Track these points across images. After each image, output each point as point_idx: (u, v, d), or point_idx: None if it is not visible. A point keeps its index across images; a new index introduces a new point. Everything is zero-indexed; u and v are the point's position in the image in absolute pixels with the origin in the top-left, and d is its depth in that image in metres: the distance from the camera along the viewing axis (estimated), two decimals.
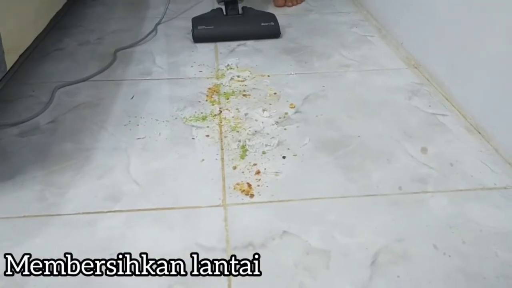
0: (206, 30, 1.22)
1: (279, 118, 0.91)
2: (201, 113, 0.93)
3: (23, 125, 0.88)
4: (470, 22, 0.89)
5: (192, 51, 1.19)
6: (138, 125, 0.89)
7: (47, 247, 0.62)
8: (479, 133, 0.86)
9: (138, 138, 0.85)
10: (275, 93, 1.00)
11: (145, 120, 0.90)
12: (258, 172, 0.76)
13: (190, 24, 1.30)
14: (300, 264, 0.60)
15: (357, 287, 0.57)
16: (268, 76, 1.07)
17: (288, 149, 0.82)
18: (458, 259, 0.61)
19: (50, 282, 0.57)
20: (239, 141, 0.84)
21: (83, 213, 0.68)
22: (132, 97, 0.98)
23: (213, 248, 0.62)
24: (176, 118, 0.91)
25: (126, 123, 0.89)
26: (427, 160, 0.80)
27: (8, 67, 0.84)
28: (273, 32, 1.25)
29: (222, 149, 0.82)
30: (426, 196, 0.72)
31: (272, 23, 1.25)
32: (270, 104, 0.96)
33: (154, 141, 0.84)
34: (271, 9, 1.46)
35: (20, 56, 0.92)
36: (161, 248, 0.62)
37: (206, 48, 1.21)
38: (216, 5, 1.35)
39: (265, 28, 1.25)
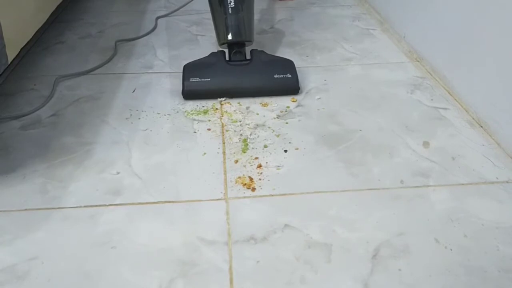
0: (200, 83, 0.93)
1: (281, 112, 0.91)
2: (203, 106, 0.93)
3: (25, 118, 0.88)
4: (473, 16, 0.88)
5: (193, 45, 1.19)
6: (139, 118, 0.89)
7: (48, 240, 0.62)
8: (481, 127, 0.86)
9: (140, 131, 0.85)
10: None
11: (146, 113, 0.90)
12: (259, 166, 0.76)
13: (192, 18, 1.30)
14: (301, 257, 0.60)
15: (358, 281, 0.57)
16: None
17: (290, 143, 0.82)
18: (459, 253, 0.61)
19: (52, 275, 0.58)
20: (241, 134, 0.84)
21: (85, 206, 0.68)
22: (134, 91, 0.98)
23: (215, 241, 0.62)
24: (177, 112, 0.91)
25: (128, 116, 0.89)
26: (428, 154, 0.79)
27: (9, 61, 0.83)
28: (290, 88, 0.95)
29: (223, 142, 0.82)
30: (427, 190, 0.72)
31: (289, 75, 0.95)
32: (272, 97, 0.95)
33: (156, 134, 0.84)
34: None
35: (21, 49, 0.92)
36: (163, 242, 0.62)
37: (207, 42, 1.20)
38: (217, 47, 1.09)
39: (280, 82, 0.94)
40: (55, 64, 1.08)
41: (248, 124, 0.87)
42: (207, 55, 1.00)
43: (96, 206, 0.68)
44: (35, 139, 0.82)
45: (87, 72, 1.04)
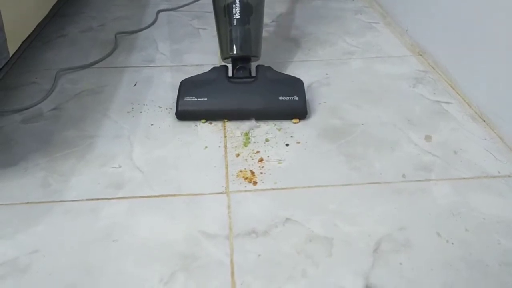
0: (196, 103, 0.84)
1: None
2: None
3: (26, 112, 0.88)
4: (476, 9, 0.88)
5: (195, 38, 1.19)
6: (141, 112, 0.88)
7: (50, 233, 0.63)
8: (484, 121, 0.86)
9: (141, 125, 0.84)
10: None
11: (148, 107, 0.90)
12: (261, 160, 0.76)
13: (194, 11, 1.29)
14: (303, 251, 0.60)
15: (359, 275, 0.57)
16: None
17: (292, 136, 0.82)
18: (461, 247, 0.61)
19: (54, 267, 0.58)
20: (242, 128, 0.84)
21: (86, 200, 0.68)
22: (135, 84, 0.98)
23: (216, 235, 0.62)
24: None
25: (129, 110, 0.89)
26: (431, 148, 0.79)
27: (11, 54, 0.83)
28: (296, 112, 0.85)
29: (225, 136, 0.82)
30: (429, 184, 0.71)
31: (296, 97, 0.85)
32: None
33: (157, 128, 0.84)
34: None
35: (22, 43, 0.92)
36: (164, 235, 0.62)
37: (209, 35, 1.20)
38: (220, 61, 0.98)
39: (284, 106, 0.84)
40: (56, 58, 1.07)
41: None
42: (207, 70, 0.91)
43: (98, 199, 0.68)
44: (37, 133, 0.82)
45: (89, 65, 1.04)
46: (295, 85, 0.87)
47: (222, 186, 0.71)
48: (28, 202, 0.68)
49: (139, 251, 0.60)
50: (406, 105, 0.91)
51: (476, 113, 0.88)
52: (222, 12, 0.92)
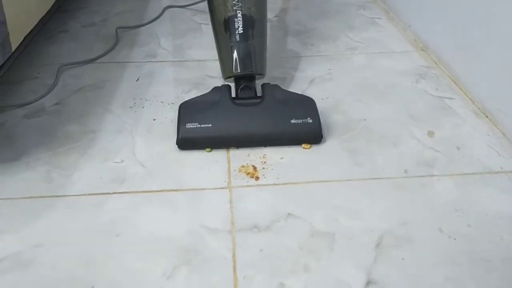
0: (199, 130, 0.76)
1: None
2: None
3: (29, 107, 0.88)
4: (479, 5, 0.87)
5: (197, 33, 1.18)
6: (143, 107, 0.88)
7: (53, 228, 0.63)
8: (487, 116, 0.85)
9: (144, 120, 0.84)
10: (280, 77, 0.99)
11: (150, 102, 0.90)
12: (263, 155, 0.76)
13: (196, 6, 1.28)
14: (305, 246, 0.60)
15: (361, 270, 0.57)
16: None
17: None
18: (463, 242, 0.61)
19: (57, 261, 0.58)
20: None
21: (89, 194, 0.68)
22: (137, 79, 0.98)
23: (218, 230, 0.63)
24: (181, 101, 0.90)
25: (131, 105, 0.89)
26: (433, 143, 0.79)
27: (13, 49, 0.83)
28: (311, 136, 0.77)
29: None
30: (432, 180, 0.71)
31: (310, 120, 0.77)
32: None
33: (159, 123, 0.84)
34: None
35: (25, 38, 0.92)
36: (166, 230, 0.63)
37: (211, 31, 1.19)
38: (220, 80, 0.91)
39: (298, 130, 0.76)
40: (58, 53, 1.07)
41: None
42: (208, 91, 0.83)
43: (100, 194, 0.68)
44: (39, 127, 0.82)
45: (91, 60, 1.04)
46: (307, 106, 0.79)
47: (224, 181, 0.71)
48: (31, 197, 0.68)
49: (142, 245, 0.60)
50: (408, 100, 0.91)
51: (479, 108, 0.88)
52: (222, 26, 0.85)
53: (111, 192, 0.69)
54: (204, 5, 1.31)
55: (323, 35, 1.17)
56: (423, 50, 1.09)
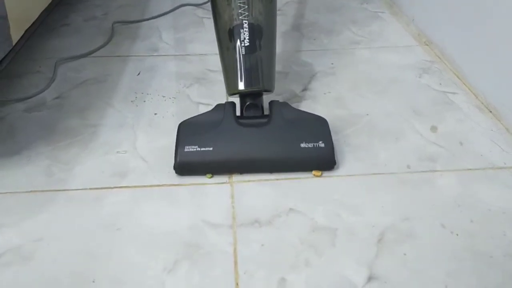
0: (199, 154, 0.69)
1: (287, 95, 0.90)
2: (208, 90, 0.92)
3: (30, 101, 0.88)
4: None
5: (199, 27, 1.18)
6: (144, 101, 0.88)
7: (54, 222, 0.63)
8: (490, 112, 0.85)
9: (145, 114, 0.84)
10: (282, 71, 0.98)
11: (151, 96, 0.90)
12: None
13: (197, 0, 1.27)
14: (306, 241, 0.60)
15: (363, 265, 0.57)
16: None
17: None
18: (466, 238, 0.61)
19: (58, 255, 0.58)
20: None
21: (90, 188, 0.68)
22: (139, 74, 0.97)
23: (220, 224, 0.62)
24: (183, 95, 0.90)
25: (133, 99, 0.89)
26: (436, 138, 0.78)
27: (14, 42, 0.83)
28: (322, 162, 0.70)
29: None
30: (434, 175, 0.71)
31: (322, 144, 0.70)
32: (278, 81, 0.94)
33: (161, 118, 0.84)
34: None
35: (26, 31, 0.91)
36: (168, 224, 0.62)
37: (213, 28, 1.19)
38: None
39: (308, 155, 0.69)
40: (60, 46, 1.07)
41: None
42: (211, 109, 0.76)
43: (101, 188, 0.68)
44: (40, 121, 0.82)
45: (86, 54, 1.03)
46: (319, 127, 0.72)
47: (226, 176, 0.71)
48: (32, 191, 0.68)
49: (143, 240, 0.60)
50: (411, 95, 0.90)
51: (482, 103, 0.87)
52: (226, 37, 0.77)
53: (112, 186, 0.69)
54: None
55: (326, 29, 1.16)
56: (427, 45, 1.08)
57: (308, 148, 0.69)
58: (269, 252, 0.59)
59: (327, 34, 1.14)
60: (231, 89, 0.76)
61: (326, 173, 0.71)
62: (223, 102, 0.77)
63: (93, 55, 1.04)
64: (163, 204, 0.66)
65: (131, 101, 0.88)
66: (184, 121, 0.74)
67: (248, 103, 0.75)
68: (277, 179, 0.70)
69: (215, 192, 0.68)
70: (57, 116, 0.83)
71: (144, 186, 0.69)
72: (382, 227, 0.62)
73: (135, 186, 0.69)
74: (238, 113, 0.76)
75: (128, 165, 0.73)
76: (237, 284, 0.55)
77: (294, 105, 0.87)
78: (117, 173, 0.71)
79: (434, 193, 0.68)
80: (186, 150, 0.69)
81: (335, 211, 0.64)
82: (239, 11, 0.76)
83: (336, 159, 0.71)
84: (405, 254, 0.58)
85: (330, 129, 0.73)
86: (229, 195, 0.67)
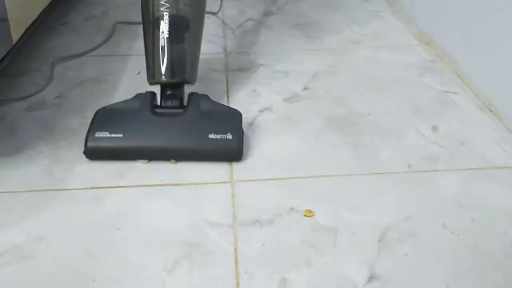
0: (108, 140, 0.71)
1: (288, 95, 0.90)
2: (208, 88, 0.92)
3: (30, 100, 0.87)
4: None
5: None
6: None
7: (54, 221, 0.63)
8: (491, 111, 0.85)
9: None
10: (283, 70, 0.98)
11: None
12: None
13: None
14: (307, 241, 0.60)
15: (364, 264, 0.57)
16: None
17: (297, 125, 0.81)
18: (467, 237, 0.60)
19: (58, 255, 0.58)
20: (247, 117, 0.83)
21: (90, 188, 0.68)
22: (139, 73, 0.97)
23: (220, 224, 0.62)
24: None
25: None
26: (437, 138, 0.78)
27: (14, 41, 0.83)
28: (227, 153, 0.72)
29: None
30: (435, 175, 0.71)
31: (230, 136, 0.72)
32: (278, 80, 0.94)
33: None
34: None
35: (26, 30, 0.91)
36: (168, 224, 0.62)
37: (213, 23, 1.19)
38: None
39: (214, 145, 0.71)
40: (60, 45, 1.07)
41: (255, 107, 0.86)
42: (132, 96, 0.77)
43: (101, 188, 0.68)
44: (41, 121, 0.82)
45: (86, 53, 1.03)
46: (231, 120, 0.74)
47: (226, 175, 0.70)
48: (32, 190, 0.68)
49: (143, 239, 0.60)
50: (413, 95, 0.90)
51: (483, 103, 0.87)
52: (150, 26, 0.77)
53: (112, 186, 0.68)
54: None
55: (326, 28, 1.16)
56: (428, 44, 1.08)
57: (216, 140, 0.71)
58: (270, 252, 0.58)
59: (328, 33, 1.14)
60: (150, 79, 0.78)
61: (328, 173, 0.71)
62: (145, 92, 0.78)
63: (93, 54, 1.04)
64: (163, 204, 0.65)
65: None
66: (102, 108, 0.76)
67: (167, 93, 0.77)
68: (278, 179, 0.70)
69: (215, 191, 0.68)
70: (57, 115, 0.83)
71: (144, 185, 0.69)
72: (383, 226, 0.62)
73: (135, 186, 0.69)
74: (158, 103, 0.78)
75: (128, 164, 0.72)
76: (238, 283, 0.54)
77: (294, 105, 0.87)
78: (117, 173, 0.71)
79: (435, 192, 0.68)
80: (96, 135, 0.71)
81: (336, 210, 0.64)
82: (161, 2, 0.76)
83: (242, 151, 0.72)
84: (406, 254, 0.58)
85: (242, 122, 0.75)
86: (230, 194, 0.67)
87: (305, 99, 0.88)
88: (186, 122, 0.73)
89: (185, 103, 0.77)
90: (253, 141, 0.78)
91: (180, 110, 0.75)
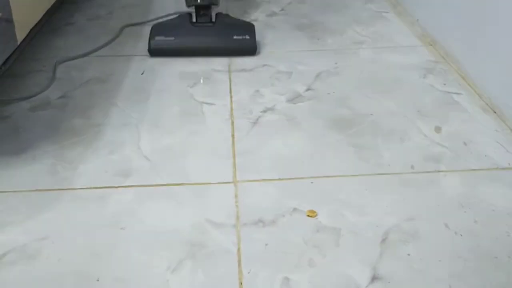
0: (165, 42, 1.02)
1: (291, 95, 0.90)
2: (212, 89, 0.92)
3: (34, 100, 0.88)
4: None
5: None
6: (148, 100, 0.88)
7: (58, 220, 0.63)
8: (495, 112, 0.85)
9: (149, 114, 0.84)
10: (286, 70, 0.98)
11: (155, 96, 0.90)
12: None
13: None
14: (310, 241, 0.60)
15: (367, 265, 0.57)
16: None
17: (300, 126, 0.81)
18: (470, 238, 0.60)
19: (63, 254, 0.58)
20: (250, 118, 0.83)
21: (94, 187, 0.68)
22: (142, 73, 0.98)
23: (223, 224, 0.62)
24: (186, 95, 0.90)
25: (136, 99, 0.89)
26: (440, 139, 0.78)
27: (19, 42, 0.83)
28: (247, 49, 1.03)
29: (233, 125, 0.82)
30: (438, 176, 0.71)
31: (247, 37, 1.03)
32: (282, 81, 0.95)
33: (165, 117, 0.84)
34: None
35: (31, 30, 0.92)
36: (171, 223, 0.62)
37: None
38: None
39: (238, 43, 1.03)
40: (64, 46, 1.07)
41: (258, 107, 0.86)
42: (174, 17, 1.08)
43: (105, 187, 0.68)
44: (45, 121, 0.82)
45: (88, 54, 1.03)
46: (247, 27, 1.05)
47: (230, 176, 0.71)
48: (36, 190, 0.68)
49: (147, 239, 0.60)
50: (416, 95, 0.90)
51: (487, 104, 0.87)
52: None
53: (116, 185, 0.69)
54: None
55: (329, 29, 1.16)
56: (431, 45, 1.08)
57: (238, 39, 1.03)
58: (273, 252, 0.59)
59: (330, 33, 1.14)
60: (189, 2, 1.06)
61: (331, 173, 0.71)
62: None
63: (97, 54, 1.04)
64: (167, 203, 0.66)
65: (135, 101, 0.88)
66: (156, 23, 1.07)
67: (201, 12, 1.06)
68: (281, 179, 0.70)
69: (218, 191, 0.68)
70: (61, 115, 0.84)
71: (148, 185, 0.69)
72: (386, 227, 0.62)
73: (139, 186, 0.69)
74: (194, 20, 1.06)
75: (132, 164, 0.73)
76: (241, 283, 0.55)
77: (297, 105, 0.87)
78: (121, 172, 0.71)
79: (438, 193, 0.68)
80: (156, 39, 1.02)
81: (339, 211, 0.64)
82: None
83: (257, 47, 1.03)
84: (409, 254, 0.58)
85: (255, 30, 1.04)
86: (233, 194, 0.67)
87: (308, 100, 0.89)
88: (216, 30, 1.04)
89: (213, 20, 1.06)
90: (256, 141, 0.78)
91: (211, 24, 1.05)
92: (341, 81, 0.95)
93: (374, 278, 0.55)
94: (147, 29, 1.16)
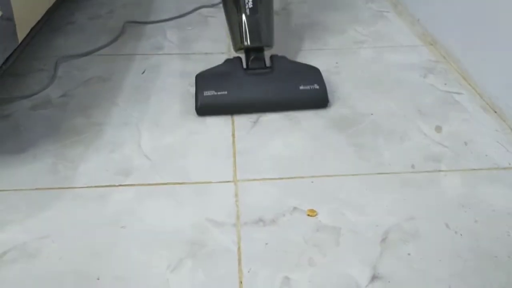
0: (217, 97, 0.82)
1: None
2: None
3: (35, 99, 0.88)
4: None
5: (203, 26, 1.18)
6: (149, 100, 0.88)
7: (59, 219, 0.63)
8: (495, 112, 0.85)
9: (150, 113, 0.84)
10: None
11: (156, 95, 0.90)
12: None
13: (203, 1, 1.27)
14: (310, 240, 0.60)
15: (367, 264, 0.57)
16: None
17: (301, 125, 0.81)
18: (470, 238, 0.61)
19: (63, 253, 0.58)
20: (250, 117, 0.83)
21: (95, 186, 0.69)
22: (143, 72, 0.98)
23: (224, 223, 0.63)
24: (187, 94, 0.90)
25: (137, 98, 0.89)
26: (441, 138, 0.78)
27: (20, 41, 0.83)
28: (317, 102, 0.84)
29: (233, 124, 0.82)
30: (439, 175, 0.71)
31: (317, 86, 0.84)
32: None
33: (166, 116, 0.84)
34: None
35: (32, 29, 0.92)
36: (172, 222, 0.63)
37: (217, 23, 1.19)
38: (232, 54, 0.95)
39: (306, 95, 0.83)
40: (65, 45, 1.07)
41: None
42: (221, 62, 0.90)
43: (106, 186, 0.69)
44: (46, 119, 0.82)
45: (89, 53, 1.03)
46: (314, 73, 0.87)
47: (230, 175, 0.71)
48: (37, 188, 0.68)
49: (147, 238, 0.60)
50: (416, 95, 0.90)
51: (487, 104, 0.87)
52: (231, 1, 0.91)
53: (117, 184, 0.69)
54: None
55: (330, 29, 1.16)
56: (432, 45, 1.08)
57: (306, 90, 0.83)
58: (273, 251, 0.59)
59: (331, 33, 1.14)
60: (237, 45, 0.89)
61: (331, 173, 0.71)
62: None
63: (98, 53, 1.04)
64: (167, 202, 0.66)
65: (136, 100, 0.88)
66: (200, 72, 0.87)
67: (252, 57, 0.88)
68: (282, 178, 0.70)
69: (219, 190, 0.68)
70: (62, 114, 0.84)
71: (149, 184, 0.69)
72: (386, 226, 0.62)
73: (139, 184, 0.69)
74: (244, 66, 0.88)
75: (132, 163, 0.73)
76: (241, 282, 0.55)
77: None
78: (122, 171, 0.71)
79: (439, 193, 0.68)
80: (205, 94, 0.82)
81: (340, 210, 0.65)
82: None
83: (329, 98, 0.85)
84: (409, 254, 0.58)
85: (323, 76, 0.86)
86: (233, 193, 0.67)
87: None
88: (277, 78, 0.85)
89: (267, 65, 0.89)
90: (257, 141, 0.78)
91: (267, 70, 0.87)
92: (342, 80, 0.95)
93: (374, 278, 0.55)
94: (148, 28, 1.16)
